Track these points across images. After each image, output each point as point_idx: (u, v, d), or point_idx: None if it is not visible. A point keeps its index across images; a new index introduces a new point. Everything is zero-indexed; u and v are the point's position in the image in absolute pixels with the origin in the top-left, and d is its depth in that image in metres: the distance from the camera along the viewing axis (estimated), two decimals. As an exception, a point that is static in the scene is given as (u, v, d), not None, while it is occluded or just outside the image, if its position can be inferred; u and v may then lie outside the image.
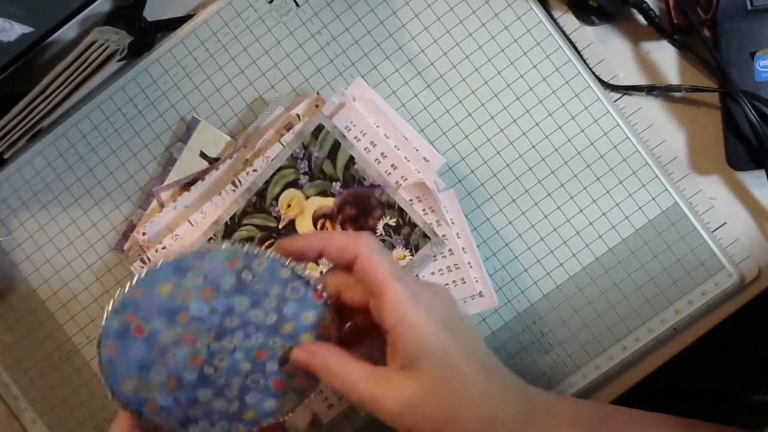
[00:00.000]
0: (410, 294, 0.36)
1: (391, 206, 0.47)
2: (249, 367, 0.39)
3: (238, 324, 0.38)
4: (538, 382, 0.49)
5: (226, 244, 0.38)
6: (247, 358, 0.39)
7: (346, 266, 0.38)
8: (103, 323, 0.38)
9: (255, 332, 0.39)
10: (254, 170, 0.48)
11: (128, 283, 0.38)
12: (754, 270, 0.48)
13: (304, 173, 0.47)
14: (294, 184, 0.48)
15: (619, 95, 0.49)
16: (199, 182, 0.49)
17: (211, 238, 0.48)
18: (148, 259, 0.49)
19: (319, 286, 0.38)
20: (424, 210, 0.47)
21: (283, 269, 0.38)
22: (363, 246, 0.37)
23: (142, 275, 0.38)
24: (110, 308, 0.38)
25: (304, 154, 0.47)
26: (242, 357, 0.39)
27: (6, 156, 0.52)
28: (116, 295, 0.38)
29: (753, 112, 0.45)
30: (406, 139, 0.48)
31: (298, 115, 0.49)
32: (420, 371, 0.35)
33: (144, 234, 0.49)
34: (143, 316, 0.38)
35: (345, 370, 0.37)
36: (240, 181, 0.48)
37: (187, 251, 0.38)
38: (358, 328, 0.40)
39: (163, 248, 0.49)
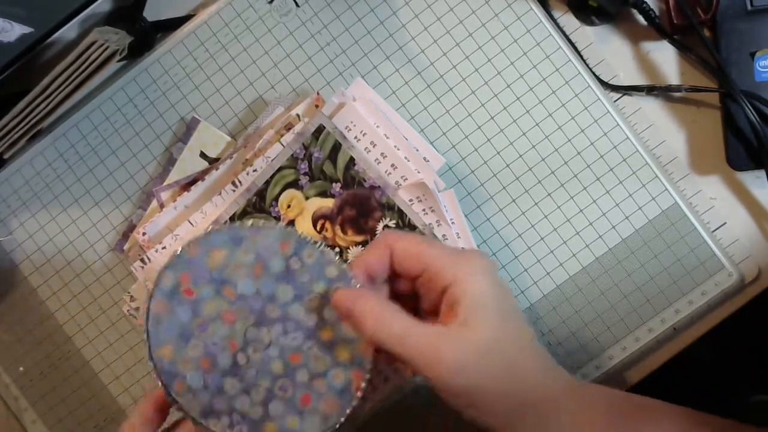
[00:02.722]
0: (461, 255, 0.36)
1: (391, 208, 0.47)
2: (280, 369, 0.38)
3: (279, 316, 0.38)
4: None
5: (282, 225, 0.39)
6: (280, 358, 0.38)
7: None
8: (157, 277, 0.39)
9: (293, 330, 0.38)
10: (254, 170, 0.48)
11: (187, 242, 0.38)
12: (754, 270, 0.48)
13: (305, 174, 0.47)
14: (294, 184, 0.48)
15: (619, 95, 0.49)
16: (199, 182, 0.49)
17: None
18: (149, 259, 0.49)
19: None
20: (424, 210, 0.47)
21: (330, 267, 0.38)
22: (392, 237, 0.38)
23: (201, 236, 0.39)
24: (166, 264, 0.39)
25: (304, 155, 0.47)
26: (276, 354, 0.38)
27: (6, 156, 0.52)
28: (174, 252, 0.38)
29: (753, 112, 0.45)
30: (406, 139, 0.48)
31: (298, 115, 0.49)
32: (479, 325, 0.34)
33: (144, 234, 0.49)
34: (195, 278, 0.39)
35: (398, 320, 0.35)
36: (240, 181, 0.48)
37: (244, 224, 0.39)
38: None
39: (163, 248, 0.49)
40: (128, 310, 0.51)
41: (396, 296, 0.40)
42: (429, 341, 0.34)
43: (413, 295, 0.40)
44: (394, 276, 0.39)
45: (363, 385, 0.38)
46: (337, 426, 0.39)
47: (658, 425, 0.38)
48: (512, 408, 0.35)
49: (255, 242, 0.39)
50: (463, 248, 0.40)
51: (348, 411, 0.38)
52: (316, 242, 0.39)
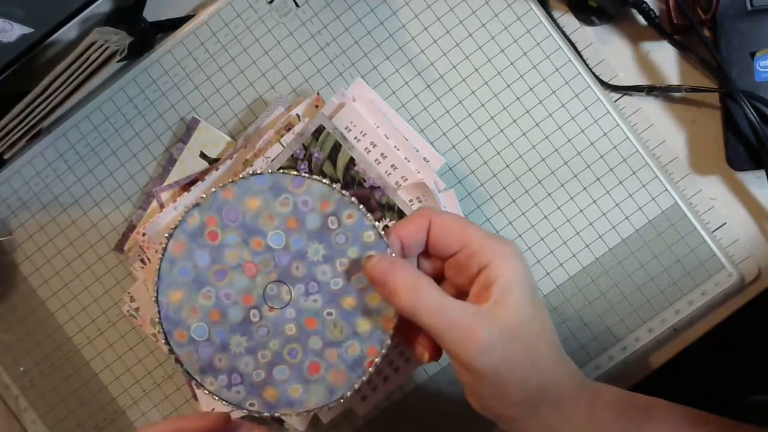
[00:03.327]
0: (496, 238, 0.37)
1: (391, 208, 0.47)
2: (294, 332, 0.37)
3: (304, 275, 0.37)
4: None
5: (327, 181, 0.37)
6: (296, 320, 0.37)
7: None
8: (182, 215, 0.37)
9: (315, 292, 0.37)
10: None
11: (223, 184, 0.37)
12: (754, 270, 0.48)
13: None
14: None
15: (619, 95, 0.49)
16: (199, 182, 0.49)
17: None
18: (148, 259, 0.49)
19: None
20: None
21: (368, 232, 0.37)
22: (432, 212, 0.38)
23: (238, 179, 0.37)
24: (195, 201, 0.37)
25: (304, 155, 0.47)
26: (292, 316, 0.37)
27: (6, 156, 0.52)
28: (207, 191, 0.37)
29: (753, 112, 0.45)
30: (406, 139, 0.48)
31: (297, 116, 0.49)
32: (511, 307, 0.35)
33: (144, 234, 0.49)
34: (224, 222, 0.37)
35: (434, 293, 0.35)
36: (240, 182, 0.48)
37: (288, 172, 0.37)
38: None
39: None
40: (128, 311, 0.51)
41: None
42: (462, 317, 0.34)
43: (437, 279, 0.40)
44: (423, 255, 0.39)
45: (377, 360, 0.37)
46: (341, 400, 0.37)
47: (662, 423, 0.38)
48: (530, 397, 0.36)
49: (296, 195, 0.37)
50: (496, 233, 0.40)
51: (356, 386, 0.37)
52: (359, 205, 0.37)
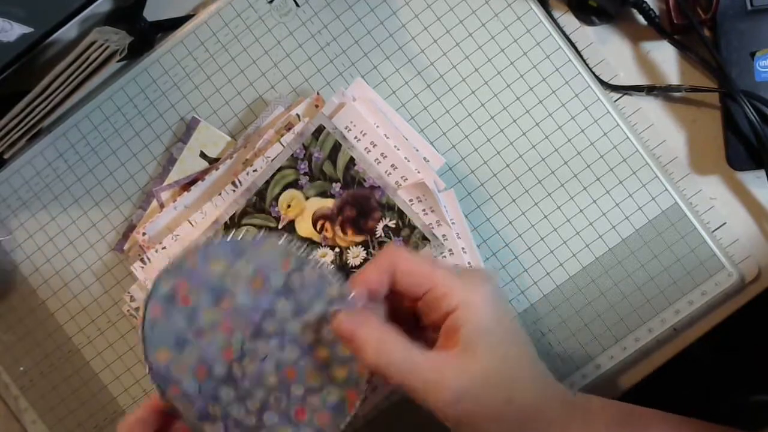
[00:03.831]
0: (466, 278, 0.36)
1: (391, 208, 0.47)
2: (275, 382, 0.38)
3: (276, 330, 0.38)
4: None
5: (284, 240, 0.38)
6: (275, 371, 0.38)
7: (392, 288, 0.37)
8: (154, 282, 0.38)
9: (290, 345, 0.38)
10: (254, 170, 0.48)
11: (186, 249, 0.38)
12: (754, 270, 0.48)
13: (305, 174, 0.47)
14: (294, 184, 0.48)
15: (619, 95, 0.49)
16: (199, 182, 0.49)
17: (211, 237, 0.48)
18: (149, 259, 0.49)
19: None
20: (424, 210, 0.47)
21: (330, 287, 0.38)
22: (396, 255, 0.37)
23: (201, 245, 0.38)
24: (164, 268, 0.38)
25: (304, 155, 0.47)
26: (271, 368, 0.38)
27: (6, 156, 0.52)
28: (172, 258, 0.38)
29: (753, 112, 0.45)
30: (406, 139, 0.48)
31: (297, 115, 0.49)
32: (479, 353, 0.35)
33: (144, 234, 0.49)
34: (193, 286, 0.38)
35: (399, 349, 0.35)
36: (240, 181, 0.48)
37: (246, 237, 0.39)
38: None
39: (163, 248, 0.49)
40: (128, 310, 0.51)
41: (395, 310, 0.39)
42: (429, 369, 0.34)
43: (413, 310, 0.39)
44: (394, 293, 0.39)
45: (357, 403, 0.38)
46: None
47: (654, 429, 0.38)
48: (510, 430, 0.36)
49: (256, 256, 0.38)
50: (468, 267, 0.39)
51: (342, 427, 0.38)
52: (317, 261, 0.38)
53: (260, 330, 0.38)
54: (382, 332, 0.35)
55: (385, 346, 0.35)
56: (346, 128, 0.47)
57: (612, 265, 0.49)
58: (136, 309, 0.50)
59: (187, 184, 0.50)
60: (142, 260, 0.49)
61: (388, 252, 0.37)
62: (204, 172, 0.50)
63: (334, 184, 0.47)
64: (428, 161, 0.48)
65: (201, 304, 0.38)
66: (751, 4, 0.46)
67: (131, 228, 0.52)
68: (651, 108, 0.49)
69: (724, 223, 0.49)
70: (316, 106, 0.49)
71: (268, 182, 0.48)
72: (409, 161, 0.47)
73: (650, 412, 0.40)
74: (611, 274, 0.49)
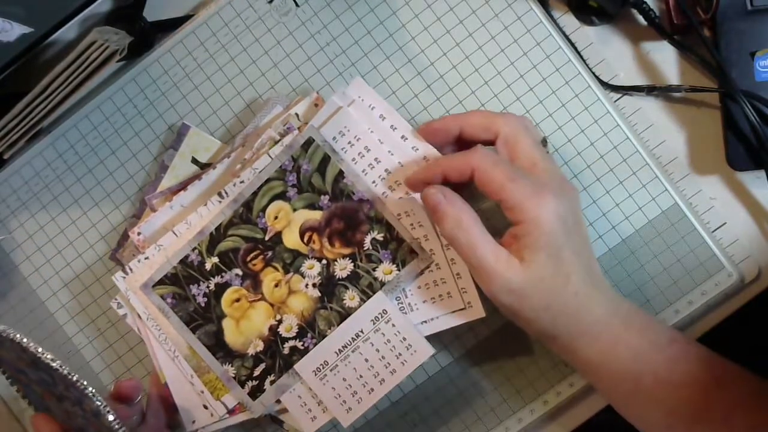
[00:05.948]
0: (538, 193, 0.40)
1: (379, 221, 0.46)
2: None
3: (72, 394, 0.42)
4: (537, 383, 0.49)
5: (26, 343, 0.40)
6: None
7: (465, 179, 0.42)
8: None
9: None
10: (241, 181, 0.47)
11: None
12: (754, 270, 0.48)
13: (293, 186, 0.47)
14: (282, 196, 0.47)
15: (619, 95, 0.49)
16: (197, 181, 0.49)
17: (195, 248, 0.48)
18: (130, 269, 0.49)
19: None
20: (412, 225, 0.46)
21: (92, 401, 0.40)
22: (478, 163, 0.41)
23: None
24: None
25: (293, 167, 0.47)
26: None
27: (6, 156, 0.52)
28: None
29: (753, 112, 0.45)
30: (405, 139, 0.47)
31: (296, 115, 0.48)
32: (534, 264, 0.40)
33: (139, 234, 0.49)
34: (6, 370, 0.45)
35: (477, 233, 0.41)
36: (227, 192, 0.48)
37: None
38: None
39: (146, 258, 0.49)
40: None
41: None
42: (489, 259, 0.40)
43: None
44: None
45: None
46: None
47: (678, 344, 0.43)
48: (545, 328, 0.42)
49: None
50: (543, 177, 0.42)
51: None
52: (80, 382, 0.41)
53: (63, 394, 0.42)
54: (462, 212, 0.41)
55: (462, 223, 0.41)
56: (339, 133, 0.47)
57: (612, 265, 0.49)
58: (124, 315, 0.50)
59: (180, 191, 0.50)
60: (123, 270, 0.49)
61: (473, 156, 0.42)
62: (196, 178, 0.50)
63: (322, 197, 0.47)
64: (428, 161, 0.47)
65: (22, 381, 0.45)
66: (751, 4, 0.46)
67: (125, 237, 0.51)
68: (651, 108, 0.49)
69: (724, 224, 0.49)
70: (316, 105, 0.49)
71: (255, 193, 0.47)
72: (402, 165, 0.46)
73: (692, 343, 0.43)
74: (611, 274, 0.49)
